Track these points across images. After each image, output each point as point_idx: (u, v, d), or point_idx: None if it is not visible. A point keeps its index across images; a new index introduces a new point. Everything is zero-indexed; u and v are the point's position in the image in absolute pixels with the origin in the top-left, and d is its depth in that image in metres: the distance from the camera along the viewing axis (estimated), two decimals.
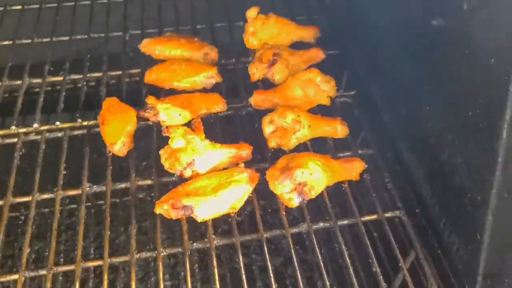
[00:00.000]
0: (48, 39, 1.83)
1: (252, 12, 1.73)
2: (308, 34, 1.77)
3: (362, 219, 1.29)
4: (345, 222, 1.30)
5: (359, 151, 1.45)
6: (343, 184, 1.36)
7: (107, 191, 1.36)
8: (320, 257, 1.22)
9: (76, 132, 1.52)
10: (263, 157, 1.43)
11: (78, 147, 1.51)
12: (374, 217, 1.31)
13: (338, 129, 1.46)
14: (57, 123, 1.53)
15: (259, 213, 1.31)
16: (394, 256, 1.23)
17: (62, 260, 1.83)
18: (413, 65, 1.32)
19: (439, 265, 1.23)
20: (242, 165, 1.33)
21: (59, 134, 1.52)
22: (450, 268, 1.20)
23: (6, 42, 1.83)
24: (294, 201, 1.27)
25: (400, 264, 1.22)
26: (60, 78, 1.69)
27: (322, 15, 1.95)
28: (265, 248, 1.23)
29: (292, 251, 1.22)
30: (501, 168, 0.96)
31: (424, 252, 1.24)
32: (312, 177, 1.26)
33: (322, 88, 1.51)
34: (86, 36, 1.85)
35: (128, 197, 1.71)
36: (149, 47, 1.70)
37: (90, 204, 1.83)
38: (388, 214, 1.31)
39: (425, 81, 1.25)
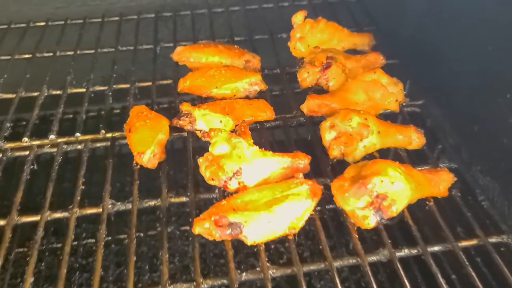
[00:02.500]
0: (72, 52, 1.65)
1: (298, 17, 1.53)
2: (361, 40, 1.56)
3: (459, 244, 1.00)
4: (436, 248, 1.01)
5: (441, 165, 1.18)
6: (427, 202, 1.08)
7: (133, 209, 1.10)
8: None
9: (98, 145, 1.30)
10: (321, 171, 1.17)
11: (101, 161, 1.27)
12: (473, 242, 1.01)
13: (412, 138, 1.20)
14: (77, 134, 1.31)
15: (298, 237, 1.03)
16: None
17: None
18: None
19: None
20: (301, 175, 1.07)
21: (79, 147, 1.29)
22: None
23: (27, 56, 1.65)
24: (370, 220, 0.99)
25: None
26: (83, 90, 1.48)
27: (372, 26, 1.75)
28: (337, 280, 0.94)
29: (374, 285, 0.93)
30: None
31: None
32: (394, 187, 0.99)
33: (391, 91, 1.26)
34: (113, 49, 1.66)
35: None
36: (184, 54, 1.51)
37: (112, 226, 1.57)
38: (493, 239, 1.01)
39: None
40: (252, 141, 1.11)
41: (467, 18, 1.32)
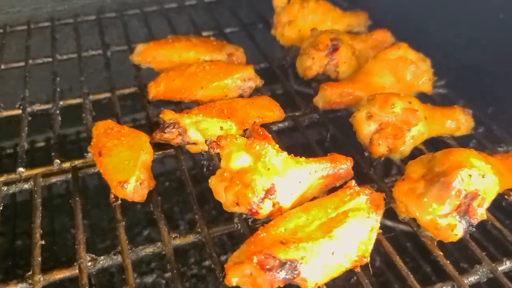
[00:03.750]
0: None
1: None
2: (357, 20, 1.34)
3: None
4: None
5: (499, 149, 0.97)
6: (505, 196, 0.86)
7: (126, 263, 0.76)
8: None
9: (54, 180, 0.94)
10: (363, 175, 0.91)
11: (61, 202, 0.92)
12: None
13: (461, 121, 0.98)
14: (20, 169, 0.94)
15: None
16: None
17: None
18: None
19: None
20: (353, 183, 0.80)
21: (26, 186, 0.93)
22: None
23: None
24: (458, 229, 0.74)
25: None
26: (18, 112, 1.12)
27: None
28: None
29: None
30: None
31: None
32: (485, 181, 0.75)
33: (423, 69, 1.04)
34: (50, 59, 1.31)
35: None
36: (148, 53, 1.20)
37: None
38: None
39: None
40: (277, 146, 0.83)
41: None
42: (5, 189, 0.92)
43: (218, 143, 0.81)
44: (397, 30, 1.28)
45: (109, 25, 1.56)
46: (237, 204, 0.76)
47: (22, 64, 1.29)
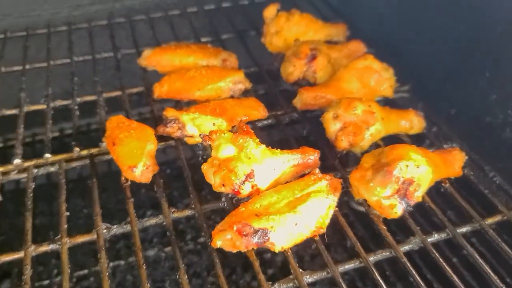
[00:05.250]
0: (20, 67, 1.47)
1: (270, 11, 1.48)
2: (336, 31, 1.53)
3: (487, 222, 0.98)
4: (464, 229, 0.97)
5: (445, 146, 1.16)
6: (442, 183, 1.05)
7: (134, 231, 0.97)
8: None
9: (74, 164, 1.14)
10: (329, 165, 1.11)
11: (79, 183, 1.12)
12: (499, 218, 0.99)
13: (414, 122, 1.17)
14: (47, 155, 1.14)
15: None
16: None
17: None
18: None
19: None
20: (317, 170, 1.00)
21: (52, 169, 1.13)
22: None
23: None
24: (398, 208, 0.94)
25: None
26: (43, 106, 1.31)
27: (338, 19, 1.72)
28: (377, 277, 0.87)
29: (417, 277, 0.87)
30: None
31: None
32: (419, 171, 0.94)
33: (385, 77, 1.23)
34: (68, 61, 1.50)
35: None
36: (153, 58, 1.39)
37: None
38: None
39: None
40: (258, 140, 1.02)
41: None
42: (36, 171, 1.12)
43: (210, 136, 1.00)
44: (373, 41, 1.48)
45: (119, 28, 1.75)
46: (223, 185, 0.96)
47: (45, 64, 1.49)
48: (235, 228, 0.87)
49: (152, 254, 1.46)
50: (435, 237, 0.95)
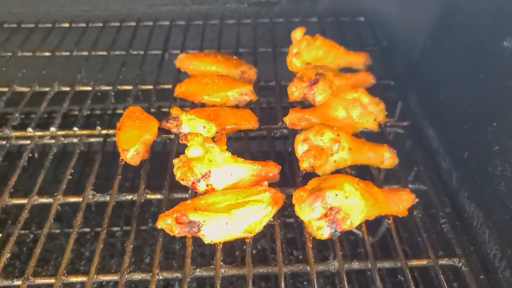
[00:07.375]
0: (87, 53, 1.77)
1: (297, 33, 1.59)
2: (357, 59, 1.60)
3: (409, 263, 1.03)
4: (386, 265, 1.04)
5: (410, 186, 1.20)
6: (387, 219, 1.11)
7: (110, 201, 1.19)
8: None
9: (93, 140, 1.40)
10: (291, 182, 1.22)
11: (92, 155, 1.37)
12: (424, 262, 1.04)
13: (385, 157, 1.23)
14: (75, 128, 1.42)
15: (282, 244, 1.08)
16: None
17: (44, 270, 1.67)
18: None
19: None
20: (266, 183, 1.13)
21: (75, 140, 1.40)
22: None
23: (47, 54, 1.78)
24: (324, 231, 1.04)
25: None
26: (89, 88, 1.60)
27: (376, 47, 1.78)
28: (282, 284, 0.98)
29: None
30: None
31: None
32: (348, 202, 1.02)
33: (370, 111, 1.30)
34: (124, 53, 1.78)
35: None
36: (185, 61, 1.60)
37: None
38: (443, 261, 1.03)
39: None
40: (225, 147, 1.18)
41: (463, 44, 1.34)
42: (62, 139, 1.40)
43: (186, 137, 1.18)
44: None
45: (179, 30, 1.98)
46: (182, 179, 1.14)
47: (105, 53, 1.78)
48: (174, 215, 1.04)
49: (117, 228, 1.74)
50: (354, 265, 1.03)
